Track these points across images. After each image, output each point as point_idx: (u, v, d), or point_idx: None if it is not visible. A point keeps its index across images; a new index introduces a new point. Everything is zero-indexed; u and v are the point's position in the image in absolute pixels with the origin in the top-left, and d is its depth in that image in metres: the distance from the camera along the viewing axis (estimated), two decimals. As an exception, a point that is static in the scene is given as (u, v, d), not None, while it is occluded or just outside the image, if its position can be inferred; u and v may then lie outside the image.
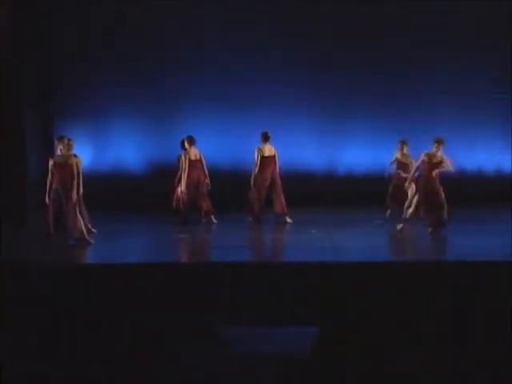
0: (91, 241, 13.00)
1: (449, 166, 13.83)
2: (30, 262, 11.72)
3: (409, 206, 14.04)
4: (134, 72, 17.31)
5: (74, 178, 12.87)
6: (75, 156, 13.21)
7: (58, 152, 13.18)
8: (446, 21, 17.34)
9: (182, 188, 14.96)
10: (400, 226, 13.96)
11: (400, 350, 7.36)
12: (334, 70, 17.50)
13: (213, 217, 15.26)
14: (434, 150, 13.74)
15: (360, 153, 17.61)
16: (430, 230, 13.74)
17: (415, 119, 17.03)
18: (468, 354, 7.33)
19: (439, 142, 13.79)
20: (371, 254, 12.09)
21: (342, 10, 17.45)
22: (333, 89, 17.56)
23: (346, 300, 9.29)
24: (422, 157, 13.74)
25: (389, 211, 15.58)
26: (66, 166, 12.88)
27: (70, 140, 13.19)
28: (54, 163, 12.93)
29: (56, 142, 13.53)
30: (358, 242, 13.32)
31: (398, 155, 15.56)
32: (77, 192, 12.93)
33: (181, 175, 15.01)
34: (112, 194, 16.48)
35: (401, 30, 17.37)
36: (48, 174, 13.06)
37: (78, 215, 12.93)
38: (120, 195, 16.68)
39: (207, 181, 15.13)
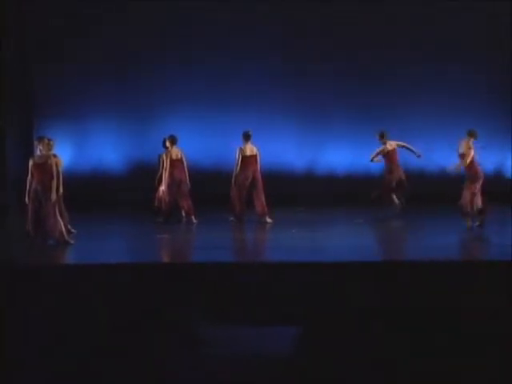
0: (71, 241, 12.85)
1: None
2: (10, 262, 11.60)
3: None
4: (114, 72, 17.40)
5: (53, 178, 12.73)
6: (55, 156, 13.08)
7: (38, 152, 13.01)
8: (431, 20, 17.54)
9: (163, 188, 14.94)
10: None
11: (382, 348, 7.41)
12: (316, 72, 17.59)
13: (193, 217, 15.20)
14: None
15: (341, 153, 17.80)
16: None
17: (397, 120, 17.17)
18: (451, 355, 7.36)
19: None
20: (352, 253, 12.02)
21: (326, 13, 17.57)
22: (314, 90, 17.69)
23: (327, 300, 9.29)
24: None
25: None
26: (45, 166, 12.71)
27: (49, 140, 13.04)
28: (34, 163, 12.77)
29: (36, 142, 13.36)
30: (338, 241, 13.27)
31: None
32: (56, 192, 12.80)
33: (161, 175, 15.01)
34: (92, 193, 16.47)
35: (382, 32, 17.54)
36: (28, 174, 12.92)
37: (58, 216, 12.80)
38: (100, 195, 16.72)
39: (188, 180, 15.11)
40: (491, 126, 16.98)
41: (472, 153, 13.89)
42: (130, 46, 17.28)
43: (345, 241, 13.26)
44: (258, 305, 9.65)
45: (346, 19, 17.51)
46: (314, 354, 7.47)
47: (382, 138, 15.88)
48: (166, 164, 14.90)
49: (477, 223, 14.07)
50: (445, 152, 16.60)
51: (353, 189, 17.04)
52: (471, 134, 13.95)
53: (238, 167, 15.01)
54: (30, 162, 12.83)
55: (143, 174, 16.39)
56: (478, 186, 13.95)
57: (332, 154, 17.85)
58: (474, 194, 13.89)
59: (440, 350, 7.40)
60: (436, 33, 17.50)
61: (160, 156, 15.17)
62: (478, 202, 13.96)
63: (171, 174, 14.90)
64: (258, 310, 9.55)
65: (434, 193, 16.39)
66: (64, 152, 15.26)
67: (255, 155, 15.07)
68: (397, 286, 9.65)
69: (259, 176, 15.13)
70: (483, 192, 14.13)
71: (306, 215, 16.18)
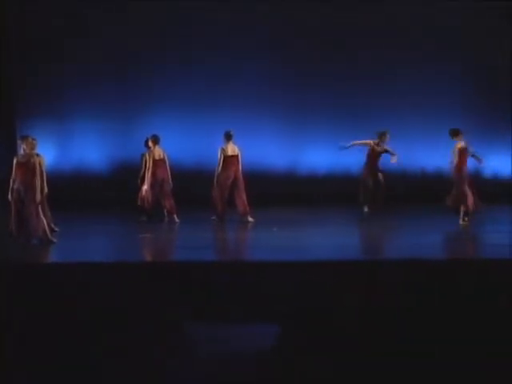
0: (54, 240, 12.80)
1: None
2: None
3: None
4: (96, 72, 17.37)
5: (35, 177, 12.67)
6: (38, 155, 13.01)
7: (21, 151, 12.93)
8: (410, 23, 17.63)
9: (146, 187, 14.96)
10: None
11: (367, 347, 7.34)
12: (297, 73, 17.68)
13: (175, 216, 15.22)
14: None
15: (321, 153, 17.84)
16: None
17: (375, 120, 17.06)
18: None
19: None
20: (334, 252, 12.05)
21: (304, 13, 17.61)
22: (295, 91, 17.73)
23: (309, 298, 9.24)
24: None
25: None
26: (28, 165, 12.65)
27: (33, 139, 12.99)
28: (17, 162, 12.72)
29: (19, 141, 13.30)
30: (320, 240, 13.29)
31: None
32: (41, 191, 12.76)
33: (144, 174, 15.04)
34: (74, 192, 16.36)
35: (362, 33, 17.63)
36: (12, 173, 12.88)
37: (41, 215, 12.75)
38: (83, 194, 16.69)
39: (170, 180, 15.14)
40: (472, 127, 16.67)
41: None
42: (112, 47, 17.30)
43: (326, 240, 13.24)
44: (240, 303, 9.57)
45: (326, 20, 17.59)
46: (296, 352, 7.37)
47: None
48: (149, 163, 14.91)
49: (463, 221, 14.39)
50: (425, 152, 16.82)
51: (333, 189, 17.08)
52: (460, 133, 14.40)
53: (220, 167, 15.02)
54: (14, 161, 12.79)
55: (126, 174, 16.39)
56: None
57: (313, 155, 17.90)
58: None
59: (425, 349, 7.33)
60: (423, 35, 17.61)
61: (143, 155, 15.20)
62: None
63: (154, 174, 14.92)
64: (240, 308, 9.44)
65: (415, 193, 16.72)
66: (47, 151, 14.99)
67: (237, 155, 15.09)
68: (380, 284, 9.60)
69: (241, 175, 15.16)
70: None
71: (287, 215, 16.20)
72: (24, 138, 12.99)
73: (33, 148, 12.84)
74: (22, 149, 12.85)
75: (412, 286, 9.37)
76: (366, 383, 6.89)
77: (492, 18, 17.65)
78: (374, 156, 15.85)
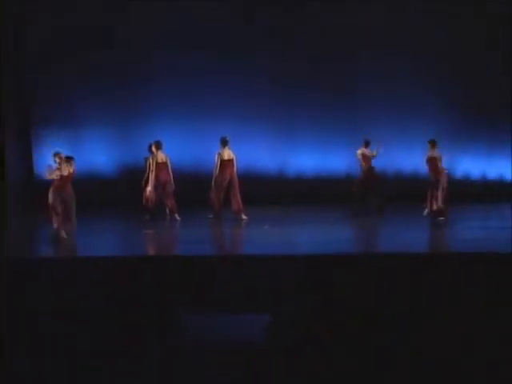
0: (65, 236, 13.34)
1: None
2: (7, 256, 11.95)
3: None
4: (103, 83, 17.46)
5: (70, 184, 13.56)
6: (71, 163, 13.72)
7: (57, 165, 13.54)
8: (393, 29, 17.70)
9: (150, 188, 15.37)
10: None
11: (354, 336, 7.36)
12: (285, 83, 17.74)
13: (176, 214, 15.66)
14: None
15: (308, 157, 18.06)
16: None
17: (358, 126, 17.34)
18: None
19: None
20: (320, 247, 12.36)
21: (292, 21, 17.69)
22: (284, 99, 17.85)
23: (299, 289, 9.69)
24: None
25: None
26: (69, 177, 13.51)
27: (68, 157, 13.67)
28: (61, 176, 13.46)
29: (53, 157, 13.72)
30: (308, 236, 13.70)
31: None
32: None
33: (148, 176, 15.40)
34: (84, 194, 15.66)
35: (347, 39, 17.65)
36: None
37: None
38: (91, 195, 16.64)
39: (172, 182, 15.55)
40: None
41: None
42: (117, 58, 17.27)
43: (314, 235, 13.56)
44: (235, 294, 10.05)
45: (311, 28, 17.64)
46: (285, 341, 7.35)
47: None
48: (153, 167, 15.30)
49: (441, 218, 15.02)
50: (402, 157, 17.21)
51: (320, 189, 17.39)
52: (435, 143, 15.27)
53: (217, 170, 15.42)
54: (56, 175, 13.49)
55: (131, 176, 16.68)
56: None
57: (301, 158, 18.04)
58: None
59: (413, 340, 7.26)
60: (397, 45, 17.63)
61: (147, 159, 15.58)
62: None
63: (157, 176, 15.30)
64: (234, 298, 9.92)
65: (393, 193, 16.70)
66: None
67: (232, 159, 15.48)
68: (368, 276, 9.89)
69: (236, 177, 15.56)
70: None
71: (278, 213, 16.41)
72: (57, 154, 13.70)
73: (66, 161, 13.54)
74: (58, 164, 13.52)
75: (400, 279, 9.77)
76: (356, 375, 6.77)
77: (490, 21, 17.49)
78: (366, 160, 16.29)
